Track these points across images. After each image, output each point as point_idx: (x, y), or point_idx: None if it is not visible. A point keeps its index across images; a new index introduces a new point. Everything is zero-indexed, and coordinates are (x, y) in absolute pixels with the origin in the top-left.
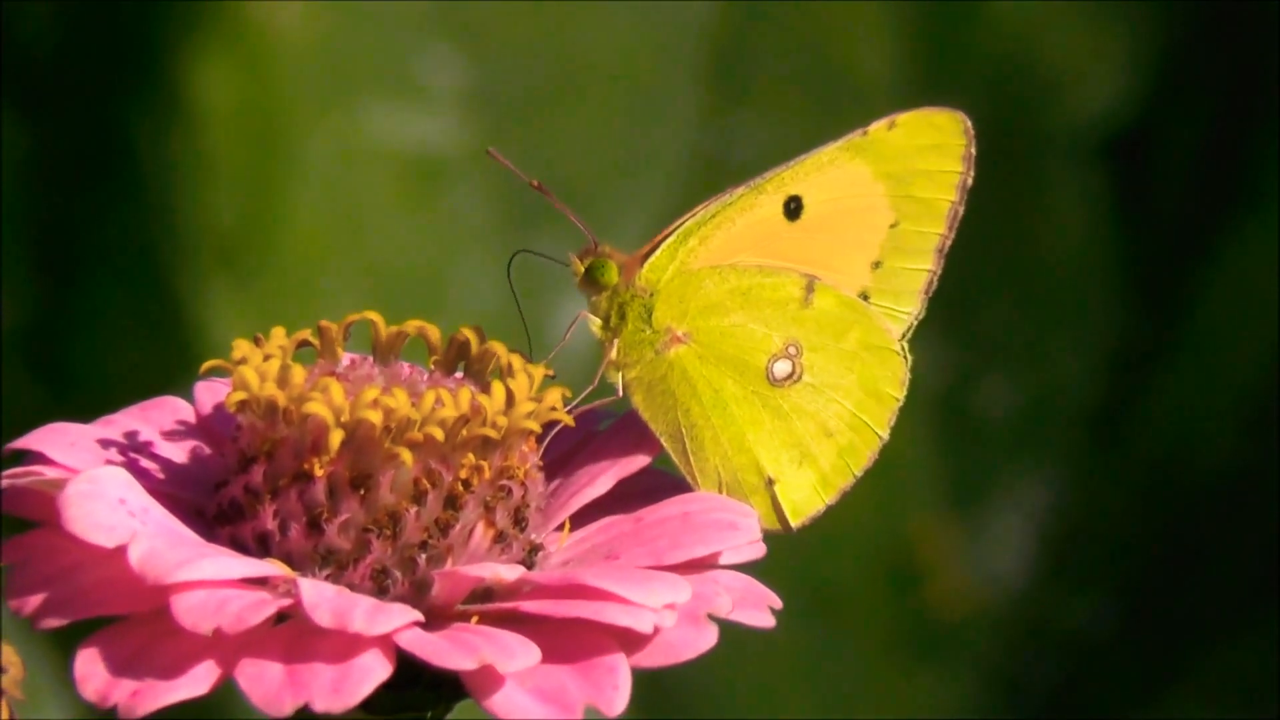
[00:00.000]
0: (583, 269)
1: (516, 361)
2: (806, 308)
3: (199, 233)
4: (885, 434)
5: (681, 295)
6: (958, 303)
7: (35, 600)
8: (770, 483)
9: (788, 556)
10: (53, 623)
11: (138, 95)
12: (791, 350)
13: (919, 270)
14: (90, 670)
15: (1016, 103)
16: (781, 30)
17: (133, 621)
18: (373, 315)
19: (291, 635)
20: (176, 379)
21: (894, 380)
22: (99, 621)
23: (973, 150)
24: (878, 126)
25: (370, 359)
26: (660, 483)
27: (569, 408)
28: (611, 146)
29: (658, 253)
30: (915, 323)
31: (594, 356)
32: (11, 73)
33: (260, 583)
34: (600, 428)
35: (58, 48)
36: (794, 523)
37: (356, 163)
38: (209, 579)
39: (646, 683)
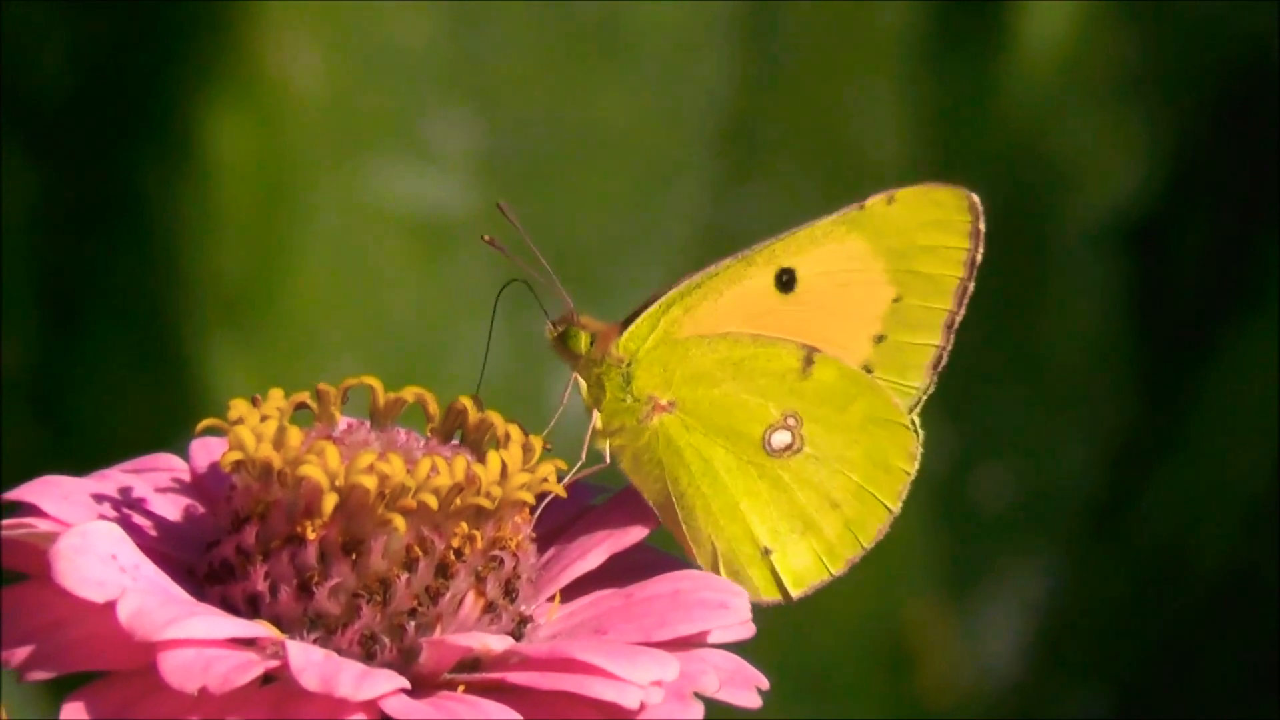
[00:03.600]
0: (555, 334)
1: (513, 432)
2: (805, 379)
3: (205, 285)
4: (896, 507)
5: (665, 364)
6: (962, 389)
7: (23, 652)
8: (767, 552)
9: (781, 636)
10: (39, 675)
11: (148, 145)
12: (790, 421)
13: (926, 345)
14: None
15: (1029, 190)
16: (795, 107)
17: (120, 677)
18: (371, 380)
19: (277, 697)
20: (177, 430)
21: (903, 453)
22: (87, 675)
23: (981, 226)
24: (875, 200)
25: (367, 424)
26: (653, 559)
27: (562, 479)
28: (620, 216)
29: (637, 321)
30: (924, 397)
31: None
32: (23, 118)
33: (248, 643)
34: (595, 501)
35: (70, 95)
36: (795, 592)
37: (365, 221)
38: (197, 638)
39: None
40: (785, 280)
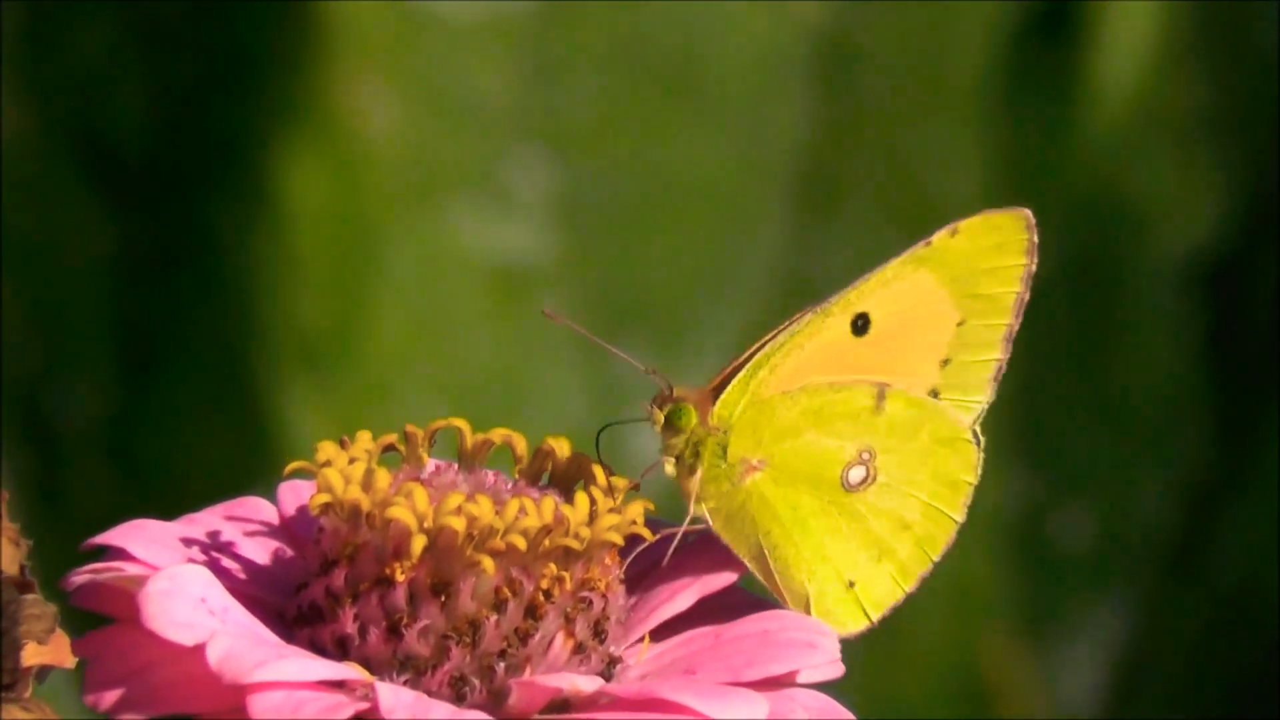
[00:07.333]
0: (662, 417)
1: (600, 473)
2: (878, 415)
3: (282, 332)
4: (961, 517)
5: (755, 426)
6: (1039, 430)
7: (112, 696)
8: (851, 585)
9: (861, 674)
10: (130, 718)
11: (226, 192)
12: (865, 456)
13: (987, 360)
14: None
15: (1104, 232)
16: (871, 152)
17: None
18: (459, 422)
19: None
20: (255, 477)
21: (967, 467)
22: (177, 719)
23: (1035, 239)
24: (941, 235)
25: (455, 466)
26: (742, 600)
27: (653, 527)
28: (698, 261)
29: (729, 389)
30: (985, 409)
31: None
32: (99, 165)
33: (338, 685)
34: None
35: (148, 142)
36: (875, 615)
37: (442, 268)
38: (287, 680)
39: None
40: (860, 325)
